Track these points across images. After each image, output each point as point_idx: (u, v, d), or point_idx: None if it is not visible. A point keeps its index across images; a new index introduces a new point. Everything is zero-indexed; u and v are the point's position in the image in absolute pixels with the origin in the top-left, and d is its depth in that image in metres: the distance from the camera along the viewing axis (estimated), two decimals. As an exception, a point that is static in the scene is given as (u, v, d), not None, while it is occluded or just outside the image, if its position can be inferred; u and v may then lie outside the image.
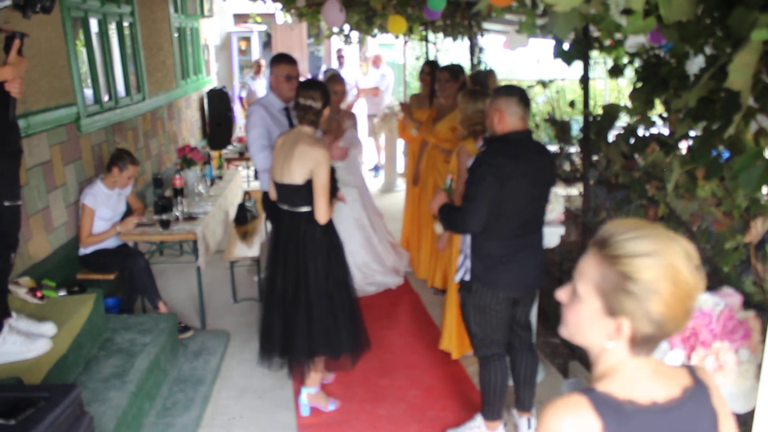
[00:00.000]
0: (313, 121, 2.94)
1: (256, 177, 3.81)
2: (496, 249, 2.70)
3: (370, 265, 4.92)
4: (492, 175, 2.55)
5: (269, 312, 3.12)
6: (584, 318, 1.10)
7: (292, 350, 3.08)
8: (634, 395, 1.07)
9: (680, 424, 1.08)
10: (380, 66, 9.32)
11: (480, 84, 4.22)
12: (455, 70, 4.49)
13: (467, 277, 2.78)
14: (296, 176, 2.87)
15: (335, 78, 4.60)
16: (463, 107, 3.45)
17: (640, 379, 1.09)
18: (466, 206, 2.62)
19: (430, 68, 5.14)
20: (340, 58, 9.80)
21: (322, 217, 2.92)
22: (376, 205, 5.30)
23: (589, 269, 1.09)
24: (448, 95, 4.45)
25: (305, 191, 2.90)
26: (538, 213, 2.76)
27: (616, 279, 1.04)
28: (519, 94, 2.64)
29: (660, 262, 1.03)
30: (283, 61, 3.78)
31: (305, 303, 3.01)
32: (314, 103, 2.90)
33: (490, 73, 4.64)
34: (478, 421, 3.05)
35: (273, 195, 3.13)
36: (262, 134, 3.68)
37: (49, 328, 2.85)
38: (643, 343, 1.08)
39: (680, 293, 1.04)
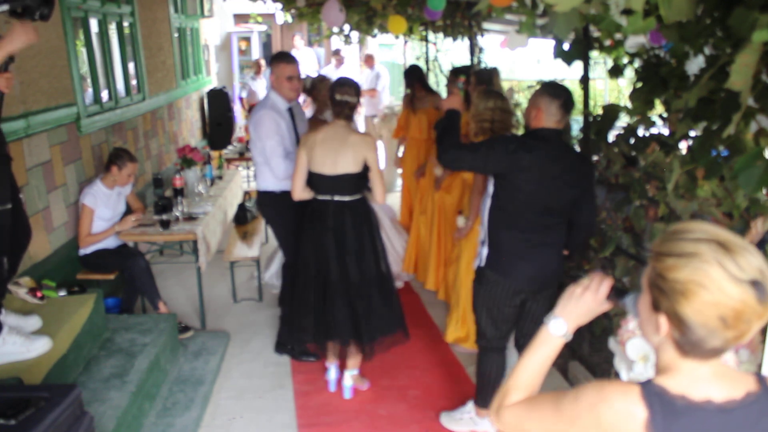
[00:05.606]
0: (349, 115, 3.17)
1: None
2: (509, 240, 2.72)
3: None
4: (503, 152, 2.57)
5: (326, 304, 3.21)
6: (642, 309, 1.15)
7: (359, 334, 3.23)
8: (689, 392, 1.06)
9: (735, 426, 1.05)
10: (374, 66, 9.30)
11: (485, 82, 4.24)
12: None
13: (482, 264, 2.82)
14: (352, 165, 3.11)
15: (324, 78, 4.73)
16: (476, 103, 3.51)
17: (698, 378, 1.08)
18: (466, 146, 2.65)
19: (409, 72, 5.67)
20: (338, 59, 9.76)
21: (381, 197, 3.18)
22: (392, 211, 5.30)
23: (648, 263, 1.13)
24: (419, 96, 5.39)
25: (362, 178, 3.16)
26: (559, 210, 2.71)
27: (653, 275, 1.09)
28: (564, 98, 2.59)
29: (691, 265, 1.02)
30: (283, 60, 3.64)
31: (372, 285, 3.21)
32: (351, 98, 3.13)
33: (494, 72, 4.66)
34: (469, 407, 3.13)
35: (301, 195, 3.21)
36: (279, 142, 3.55)
37: (34, 322, 2.86)
38: (688, 346, 1.06)
39: (716, 303, 1.01)
